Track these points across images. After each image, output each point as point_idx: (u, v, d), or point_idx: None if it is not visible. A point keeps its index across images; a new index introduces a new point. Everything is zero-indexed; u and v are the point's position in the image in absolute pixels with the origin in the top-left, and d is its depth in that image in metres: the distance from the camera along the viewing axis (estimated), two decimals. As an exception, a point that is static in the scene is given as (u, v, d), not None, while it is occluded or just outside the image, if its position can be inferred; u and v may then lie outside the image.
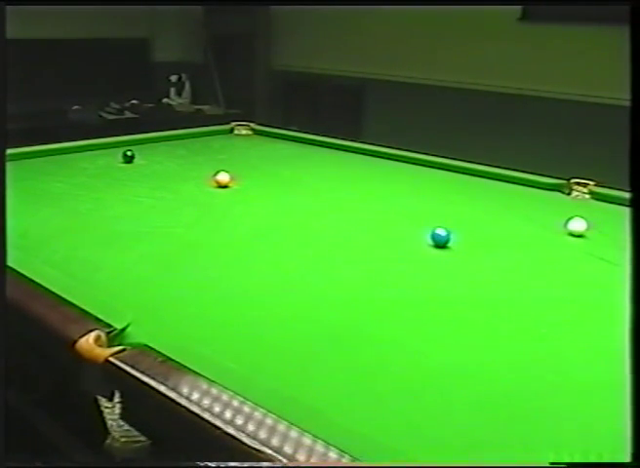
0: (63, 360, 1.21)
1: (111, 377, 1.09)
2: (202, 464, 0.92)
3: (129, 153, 2.69)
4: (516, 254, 1.84)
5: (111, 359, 1.10)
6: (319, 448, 0.89)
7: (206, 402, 0.99)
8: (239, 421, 0.94)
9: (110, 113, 5.29)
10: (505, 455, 0.95)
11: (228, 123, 3.41)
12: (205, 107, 5.64)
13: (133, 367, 1.08)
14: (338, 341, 1.31)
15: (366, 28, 5.16)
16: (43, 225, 1.93)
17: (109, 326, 1.20)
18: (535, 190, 2.46)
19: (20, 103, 3.45)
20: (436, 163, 2.75)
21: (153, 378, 1.05)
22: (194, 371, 1.07)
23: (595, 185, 2.38)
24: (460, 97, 4.70)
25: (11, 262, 1.32)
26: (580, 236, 1.94)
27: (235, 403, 0.98)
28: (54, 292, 1.34)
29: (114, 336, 1.18)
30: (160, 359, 1.11)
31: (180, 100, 5.69)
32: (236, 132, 3.35)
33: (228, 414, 0.96)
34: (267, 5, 5.56)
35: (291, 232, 1.97)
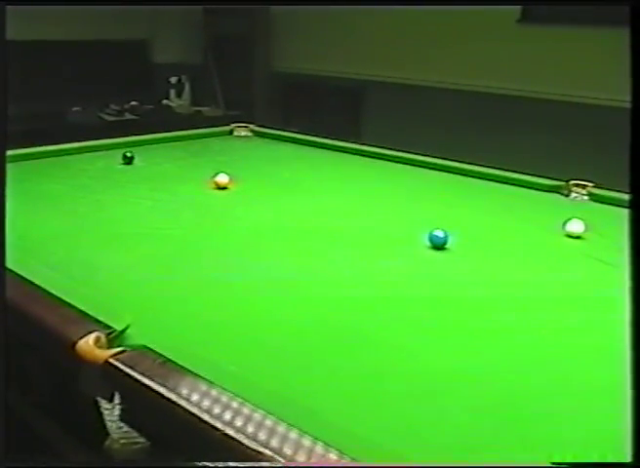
0: (63, 361, 1.21)
1: (111, 379, 1.09)
2: (200, 464, 0.92)
3: (128, 155, 2.69)
4: (514, 256, 1.84)
5: (111, 360, 1.10)
6: (319, 449, 0.90)
7: (205, 403, 0.99)
8: (239, 423, 0.94)
9: (110, 115, 5.29)
10: (505, 457, 0.95)
11: (228, 124, 3.41)
12: (204, 109, 5.64)
13: (132, 368, 1.08)
14: (337, 343, 1.31)
15: (365, 30, 5.16)
16: (42, 227, 1.93)
17: (109, 327, 1.20)
18: (533, 191, 2.46)
19: (20, 105, 3.45)
20: (435, 164, 2.76)
21: (153, 380, 1.05)
22: (194, 373, 1.07)
23: (594, 187, 2.39)
24: (460, 99, 4.70)
25: (10, 264, 1.32)
26: (578, 237, 1.95)
27: (235, 404, 0.99)
28: (53, 294, 1.35)
29: (114, 338, 1.18)
30: (160, 360, 1.11)
31: (180, 102, 5.69)
32: (236, 133, 3.35)
33: (228, 416, 0.96)
34: (267, 5, 5.56)
35: (290, 233, 1.97)
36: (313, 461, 0.88)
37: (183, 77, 5.69)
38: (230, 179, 2.38)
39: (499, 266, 1.76)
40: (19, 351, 1.32)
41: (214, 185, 2.36)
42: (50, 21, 4.93)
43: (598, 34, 4.02)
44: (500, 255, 1.84)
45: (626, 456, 0.88)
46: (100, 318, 1.23)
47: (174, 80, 5.67)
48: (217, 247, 1.85)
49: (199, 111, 5.63)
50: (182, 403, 1.00)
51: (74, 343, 1.14)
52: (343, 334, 1.34)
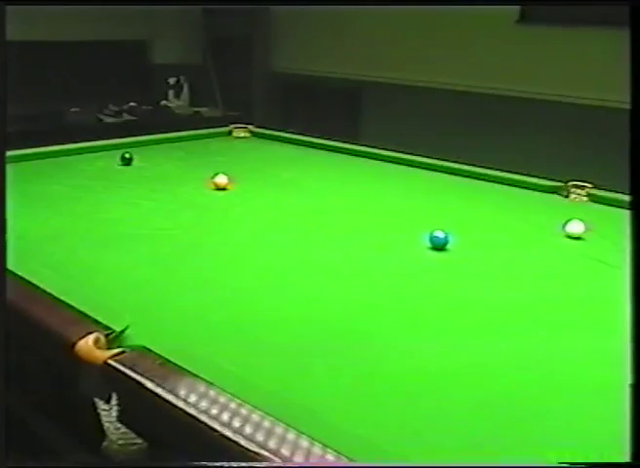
0: (62, 362, 1.21)
1: (110, 380, 1.09)
2: (198, 465, 0.92)
3: (127, 155, 2.69)
4: (514, 257, 1.84)
5: (110, 361, 1.10)
6: (316, 450, 0.89)
7: (204, 404, 0.99)
8: (237, 423, 0.94)
9: (109, 115, 5.29)
10: (505, 457, 0.95)
11: (227, 125, 3.41)
12: (203, 109, 5.64)
13: (131, 369, 1.08)
14: (336, 343, 1.31)
15: (363, 30, 5.16)
16: (41, 227, 1.92)
17: (108, 328, 1.20)
18: (533, 192, 2.47)
19: (19, 105, 3.45)
20: (434, 165, 2.76)
21: (151, 380, 1.05)
22: (192, 374, 1.07)
23: (593, 188, 2.39)
24: (458, 100, 4.70)
25: (9, 265, 1.32)
26: (577, 238, 1.95)
27: (233, 405, 0.98)
28: (52, 295, 1.34)
29: (113, 339, 1.18)
30: (158, 361, 1.11)
31: (179, 103, 5.69)
32: (234, 134, 3.35)
33: (226, 417, 0.96)
34: (267, 5, 5.56)
35: (289, 234, 1.97)
36: (311, 462, 0.88)
37: (182, 78, 5.69)
38: (229, 180, 2.38)
39: (498, 267, 1.76)
40: (18, 351, 1.32)
41: (213, 186, 2.36)
42: (49, 22, 4.92)
43: (598, 35, 4.02)
44: (499, 256, 1.84)
45: (626, 456, 0.89)
46: (100, 319, 1.23)
47: (172, 81, 5.67)
48: (216, 247, 1.85)
49: (198, 112, 5.63)
50: (181, 404, 1.00)
51: (73, 344, 1.13)
52: (343, 335, 1.34)
